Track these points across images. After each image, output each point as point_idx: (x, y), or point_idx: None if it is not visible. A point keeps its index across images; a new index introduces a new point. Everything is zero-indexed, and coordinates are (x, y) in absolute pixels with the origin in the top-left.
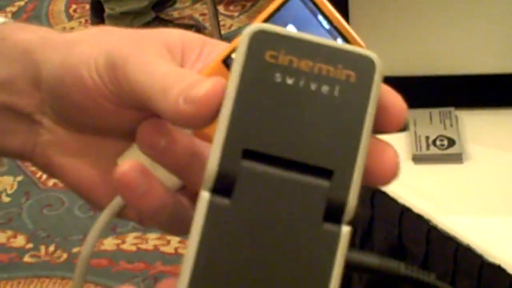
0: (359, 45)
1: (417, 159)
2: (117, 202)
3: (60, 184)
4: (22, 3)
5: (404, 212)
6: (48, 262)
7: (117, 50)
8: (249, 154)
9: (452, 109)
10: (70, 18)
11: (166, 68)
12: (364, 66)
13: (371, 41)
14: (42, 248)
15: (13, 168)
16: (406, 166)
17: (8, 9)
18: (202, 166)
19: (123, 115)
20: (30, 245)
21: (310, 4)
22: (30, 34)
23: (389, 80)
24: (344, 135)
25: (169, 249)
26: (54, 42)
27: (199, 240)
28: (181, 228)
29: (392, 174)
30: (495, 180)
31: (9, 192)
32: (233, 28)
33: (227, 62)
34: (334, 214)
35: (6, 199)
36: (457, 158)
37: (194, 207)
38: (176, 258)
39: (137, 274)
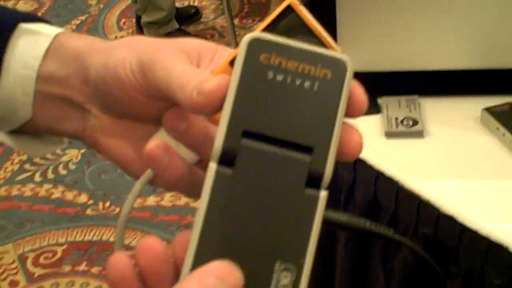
0: (334, 49)
1: (389, 134)
2: (148, 173)
3: None
4: (83, 17)
5: (379, 175)
6: (105, 215)
7: (145, 54)
8: (247, 134)
9: (416, 96)
10: (120, 29)
11: (183, 67)
12: (338, 66)
13: (353, 43)
14: (100, 204)
15: (77, 143)
16: (380, 140)
17: (73, 22)
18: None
19: (151, 104)
20: (91, 202)
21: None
22: (80, 42)
23: (367, 74)
24: (322, 120)
25: (197, 204)
26: (97, 49)
27: (208, 199)
28: (198, 193)
29: (357, 152)
30: (448, 150)
31: (75, 161)
32: None
33: (232, 63)
34: (314, 181)
35: (72, 167)
36: (420, 134)
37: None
38: None
39: (172, 224)
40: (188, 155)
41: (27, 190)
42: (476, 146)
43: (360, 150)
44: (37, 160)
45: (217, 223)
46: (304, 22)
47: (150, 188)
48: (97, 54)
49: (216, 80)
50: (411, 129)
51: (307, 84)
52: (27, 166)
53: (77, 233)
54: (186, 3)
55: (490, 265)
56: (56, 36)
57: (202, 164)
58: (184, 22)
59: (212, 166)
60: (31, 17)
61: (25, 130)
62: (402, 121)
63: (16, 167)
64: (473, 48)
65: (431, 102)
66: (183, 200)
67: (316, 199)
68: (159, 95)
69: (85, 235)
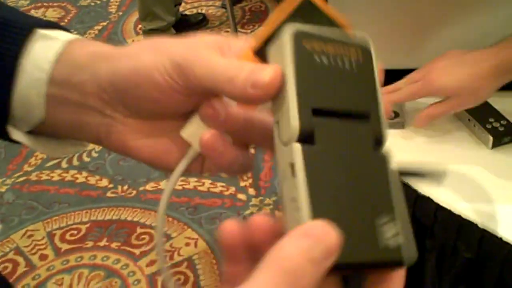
0: (350, 29)
1: None
2: (190, 154)
3: None
4: (105, 23)
5: None
6: (123, 197)
7: (177, 55)
8: (316, 112)
9: None
10: (137, 33)
11: (223, 61)
12: (365, 46)
13: None
14: (119, 187)
15: None
16: None
17: (96, 27)
18: (251, 127)
19: (189, 101)
20: (111, 185)
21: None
22: (92, 48)
23: None
24: (367, 90)
25: (203, 188)
26: (113, 55)
27: (305, 177)
28: (233, 169)
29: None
30: (425, 140)
31: (97, 150)
32: None
33: (259, 53)
34: (378, 142)
35: (95, 155)
36: (401, 125)
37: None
38: (208, 194)
39: (182, 205)
40: None
41: (55, 175)
42: (449, 135)
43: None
44: None
45: (318, 192)
46: (321, 11)
47: (163, 174)
48: (117, 60)
49: (271, 72)
50: (393, 120)
51: (347, 64)
52: None
53: (98, 213)
54: (194, 11)
55: (462, 240)
56: (70, 42)
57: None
58: (192, 27)
59: (297, 146)
60: (50, 24)
61: (43, 132)
62: (395, 113)
63: (45, 155)
64: (446, 47)
65: None
66: (191, 184)
67: (387, 156)
68: (200, 91)
69: (105, 215)
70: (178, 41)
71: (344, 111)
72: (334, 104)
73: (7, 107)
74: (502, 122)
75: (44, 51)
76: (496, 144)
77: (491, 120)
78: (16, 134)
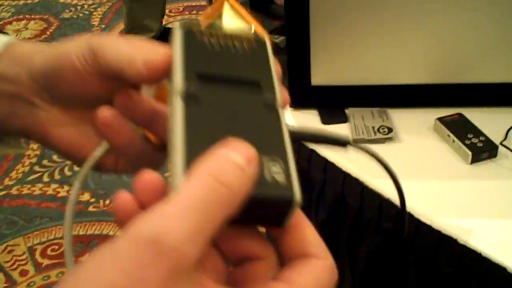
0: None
1: (356, 141)
2: (101, 148)
3: None
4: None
5: (346, 176)
6: (105, 211)
7: (94, 40)
8: (202, 77)
9: (386, 109)
10: None
11: (128, 46)
12: (260, 39)
13: (324, 62)
14: (101, 201)
15: None
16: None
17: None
18: (160, 119)
19: (103, 86)
20: (92, 200)
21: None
22: (31, 45)
23: (348, 88)
24: (260, 63)
25: None
26: (48, 48)
27: (183, 124)
28: (144, 166)
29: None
30: (406, 155)
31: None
32: None
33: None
34: (269, 107)
35: (76, 169)
36: (390, 140)
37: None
38: None
39: None
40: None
41: (37, 189)
42: (429, 151)
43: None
44: (45, 162)
45: (198, 135)
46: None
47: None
48: (47, 50)
49: (161, 52)
50: (387, 135)
51: (239, 48)
52: (36, 168)
53: (80, 227)
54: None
55: (442, 255)
56: (8, 43)
57: (148, 141)
58: None
59: (177, 99)
60: None
61: None
62: (378, 129)
63: (26, 168)
64: (427, 66)
65: (397, 113)
66: None
67: (277, 113)
68: (109, 74)
69: (87, 229)
70: (103, 34)
71: (232, 79)
72: (221, 71)
73: None
74: (480, 138)
75: None
76: (475, 159)
77: (470, 136)
78: None
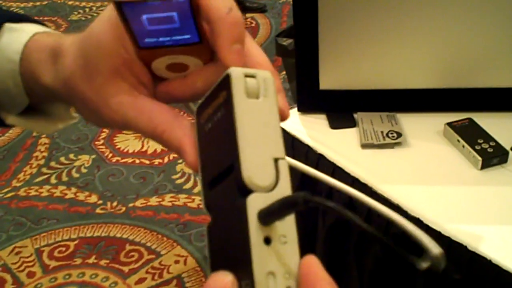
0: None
1: (364, 146)
2: None
3: (121, 160)
4: None
5: (354, 181)
6: (112, 213)
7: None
8: (211, 184)
9: (395, 113)
10: None
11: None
12: (225, 82)
13: (332, 67)
14: (108, 203)
15: (89, 149)
16: (356, 151)
17: None
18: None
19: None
20: (100, 202)
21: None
22: (57, 36)
23: (356, 92)
24: (230, 137)
25: (193, 205)
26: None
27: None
28: None
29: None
30: (415, 160)
31: (86, 165)
32: None
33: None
34: (243, 191)
35: (84, 170)
36: (399, 145)
37: None
38: (198, 211)
39: (172, 221)
40: None
41: (44, 191)
42: (438, 156)
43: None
44: (52, 164)
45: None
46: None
47: (153, 190)
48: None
49: (190, 158)
50: (396, 140)
51: (218, 115)
52: (44, 169)
53: (87, 229)
54: None
55: (451, 261)
56: (35, 34)
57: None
58: None
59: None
60: (20, 17)
61: (32, 110)
62: (387, 134)
63: (34, 170)
64: (436, 70)
65: (406, 117)
66: (181, 201)
67: (243, 205)
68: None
69: (94, 231)
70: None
71: (222, 172)
72: (216, 170)
73: None
74: (491, 143)
75: (11, 43)
76: (485, 165)
77: (480, 141)
78: (10, 119)
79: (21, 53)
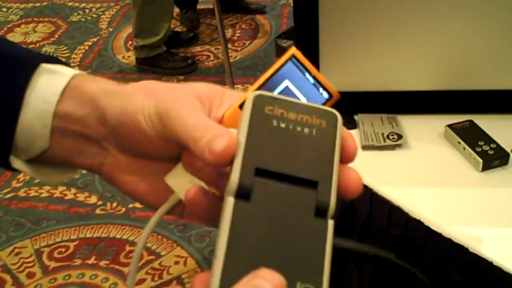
0: (332, 89)
1: (365, 147)
2: (165, 206)
3: None
4: (95, 39)
5: None
6: (112, 214)
7: (161, 102)
8: (260, 172)
9: (395, 115)
10: (127, 49)
11: (196, 119)
12: (331, 117)
13: (332, 69)
14: (108, 204)
15: None
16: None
17: (86, 43)
18: (224, 178)
19: (168, 147)
20: (100, 202)
21: (300, 66)
22: (95, 85)
23: (357, 94)
24: (322, 159)
25: None
26: (113, 92)
27: (229, 229)
28: (208, 215)
29: (358, 190)
30: (416, 162)
31: None
32: (237, 58)
33: (241, 107)
34: (321, 211)
35: (84, 171)
36: (400, 147)
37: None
38: None
39: (171, 222)
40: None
41: (44, 192)
42: (439, 158)
43: (360, 188)
44: None
45: (239, 250)
46: (305, 68)
47: None
48: (114, 97)
49: (225, 142)
50: (397, 142)
51: (306, 130)
52: None
53: (87, 230)
54: (185, 28)
55: (452, 263)
56: (73, 76)
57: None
58: (184, 44)
59: (230, 199)
60: (52, 59)
61: (41, 159)
62: (388, 136)
63: None
64: (437, 72)
65: (406, 119)
66: None
67: (325, 226)
68: (175, 141)
69: (94, 232)
70: (169, 88)
71: (289, 176)
72: (280, 167)
73: (12, 138)
74: (491, 145)
75: (49, 85)
76: (486, 167)
77: (480, 143)
78: (17, 163)
79: (59, 95)
